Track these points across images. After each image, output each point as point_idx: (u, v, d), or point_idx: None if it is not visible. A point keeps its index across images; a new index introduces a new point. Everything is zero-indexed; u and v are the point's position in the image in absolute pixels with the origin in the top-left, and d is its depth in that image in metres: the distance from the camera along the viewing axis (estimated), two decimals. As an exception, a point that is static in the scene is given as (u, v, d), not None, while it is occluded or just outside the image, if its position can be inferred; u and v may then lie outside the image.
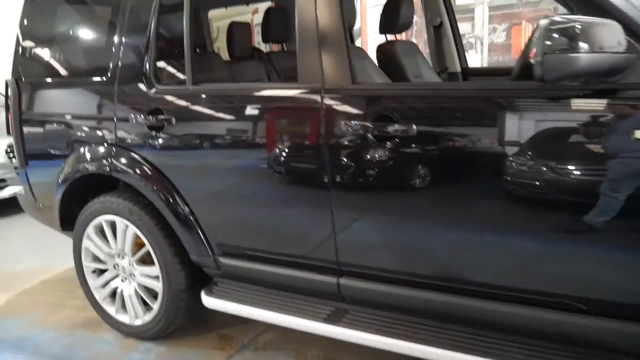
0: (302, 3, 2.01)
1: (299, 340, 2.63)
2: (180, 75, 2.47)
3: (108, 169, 2.55)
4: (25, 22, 2.94)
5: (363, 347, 2.39)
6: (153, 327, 2.65)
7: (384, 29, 2.89)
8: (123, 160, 2.51)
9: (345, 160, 1.96)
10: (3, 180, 5.21)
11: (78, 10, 2.91)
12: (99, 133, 2.62)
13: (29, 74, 2.94)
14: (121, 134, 2.52)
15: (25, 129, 2.95)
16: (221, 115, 2.32)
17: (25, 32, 2.94)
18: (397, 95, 1.98)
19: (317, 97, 1.98)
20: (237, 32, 3.05)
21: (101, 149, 2.59)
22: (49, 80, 2.87)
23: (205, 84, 2.37)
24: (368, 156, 1.91)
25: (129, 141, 2.50)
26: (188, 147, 2.36)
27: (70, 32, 2.89)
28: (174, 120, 2.34)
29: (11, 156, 5.15)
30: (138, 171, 2.46)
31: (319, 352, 2.53)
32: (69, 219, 2.87)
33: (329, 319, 2.14)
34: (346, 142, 1.94)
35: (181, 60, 2.40)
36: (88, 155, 2.64)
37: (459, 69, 3.35)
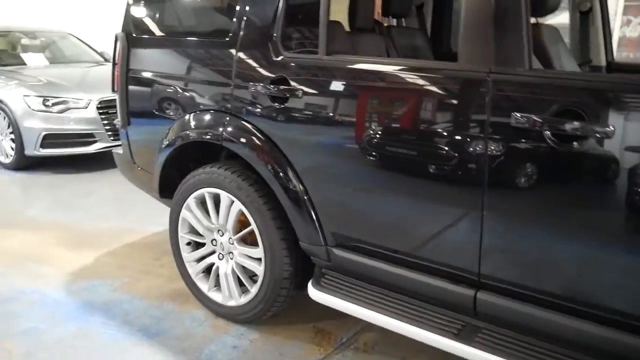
0: None
1: (401, 344, 2.40)
2: (312, 44, 2.22)
3: (220, 138, 2.35)
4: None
5: None
6: (248, 311, 2.48)
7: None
8: (237, 131, 2.31)
9: (510, 159, 1.67)
10: (92, 135, 5.20)
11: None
12: (213, 98, 2.44)
13: (140, 29, 2.79)
14: (237, 101, 2.32)
15: (132, 87, 2.82)
16: (359, 92, 2.06)
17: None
18: (588, 87, 1.64)
19: (482, 82, 1.69)
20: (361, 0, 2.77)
21: (214, 116, 2.41)
22: (161, 37, 2.71)
23: (339, 55, 2.12)
24: (541, 157, 1.61)
25: (246, 110, 2.29)
26: (314, 123, 2.13)
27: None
28: (300, 92, 2.11)
29: (102, 112, 5.14)
30: (253, 144, 2.26)
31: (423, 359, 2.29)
32: (167, 185, 2.73)
33: (460, 336, 1.88)
34: (514, 138, 1.65)
35: (312, 28, 2.16)
36: (199, 121, 2.47)
37: (604, 62, 2.94)
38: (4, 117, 5.25)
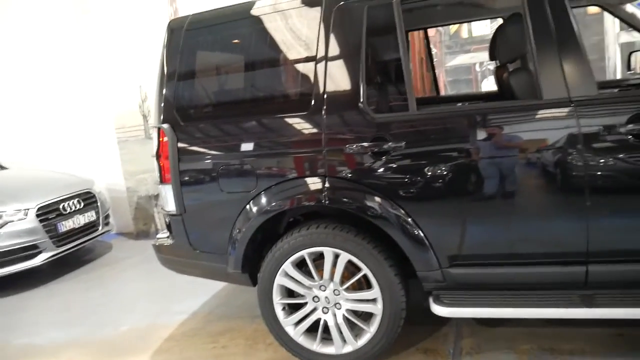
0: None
1: (501, 338, 2.82)
2: (400, 101, 2.60)
3: (325, 200, 2.58)
4: (179, 61, 2.90)
5: (572, 334, 2.73)
6: (368, 351, 2.68)
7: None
8: (343, 190, 2.56)
9: (604, 164, 2.24)
10: (35, 246, 4.76)
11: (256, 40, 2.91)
12: (303, 166, 2.65)
13: (189, 117, 2.88)
14: (333, 164, 2.58)
15: (187, 175, 2.87)
16: (455, 136, 2.48)
17: (182, 72, 2.90)
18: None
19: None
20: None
21: (310, 181, 2.62)
22: (218, 118, 2.86)
23: (428, 108, 2.54)
24: (625, 158, 2.20)
25: (345, 171, 2.56)
26: (418, 170, 2.46)
27: (248, 65, 2.93)
28: (401, 146, 2.46)
29: (42, 220, 4.79)
30: (364, 198, 2.54)
31: (531, 344, 2.73)
32: (246, 260, 2.83)
33: (585, 303, 2.36)
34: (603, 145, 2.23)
35: (396, 86, 2.55)
36: (292, 190, 2.65)
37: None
38: None
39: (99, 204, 5.60)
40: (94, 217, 5.49)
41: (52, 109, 6.67)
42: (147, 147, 5.98)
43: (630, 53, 3.78)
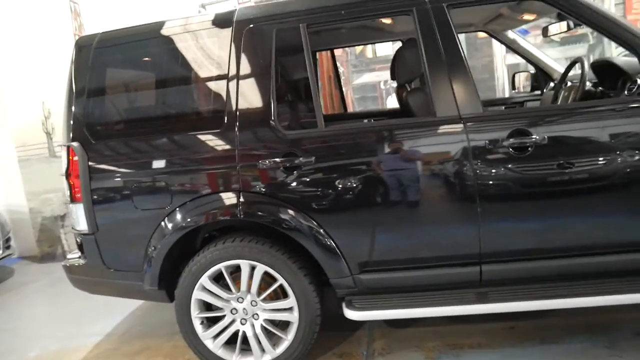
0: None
1: (410, 338, 3.03)
2: (309, 118, 2.74)
3: (240, 214, 2.66)
4: (88, 78, 2.89)
5: (471, 330, 2.99)
6: (288, 357, 2.78)
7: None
8: (258, 204, 2.67)
9: (491, 173, 2.51)
10: None
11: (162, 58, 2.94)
12: (217, 181, 2.73)
13: (99, 134, 2.87)
14: (247, 179, 2.67)
15: (99, 193, 2.84)
16: (361, 151, 2.66)
17: (91, 89, 2.89)
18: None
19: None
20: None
21: (225, 196, 2.70)
22: (131, 136, 2.87)
23: (334, 125, 2.71)
24: (510, 168, 2.49)
25: (259, 185, 2.67)
26: (328, 183, 2.62)
27: (159, 83, 2.95)
28: (311, 161, 2.61)
29: None
30: (278, 211, 2.65)
31: (437, 342, 2.96)
32: (162, 275, 2.85)
33: (480, 300, 2.62)
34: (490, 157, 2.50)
35: (306, 103, 2.70)
36: (207, 205, 2.71)
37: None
38: None
39: (-2, 226, 5.29)
40: (-7, 241, 5.18)
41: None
42: (52, 166, 5.75)
43: (514, 74, 4.21)
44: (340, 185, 2.61)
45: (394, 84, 4.91)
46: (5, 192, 6.03)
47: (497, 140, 2.50)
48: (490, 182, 2.53)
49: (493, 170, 2.52)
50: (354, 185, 2.61)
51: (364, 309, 2.71)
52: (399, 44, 4.13)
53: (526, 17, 3.56)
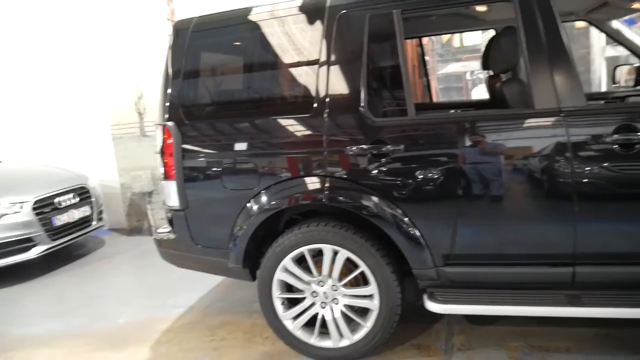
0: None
1: (491, 336, 2.95)
2: (399, 106, 2.71)
3: (325, 199, 2.69)
4: (184, 61, 2.99)
5: (559, 333, 2.86)
6: (365, 345, 2.79)
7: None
8: (344, 190, 2.67)
9: (592, 171, 2.37)
10: (30, 239, 4.79)
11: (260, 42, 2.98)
12: (303, 165, 2.76)
13: (193, 116, 2.97)
14: (333, 165, 2.68)
15: (191, 171, 2.96)
16: (453, 141, 2.59)
17: (187, 72, 2.99)
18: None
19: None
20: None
21: (309, 180, 2.73)
22: (226, 118, 2.95)
23: (426, 113, 2.66)
24: (613, 166, 2.34)
25: (345, 171, 2.67)
26: (415, 172, 2.57)
27: (251, 67, 3.01)
28: (399, 149, 2.58)
29: (38, 213, 4.83)
30: (362, 197, 2.65)
31: (521, 342, 2.86)
32: (247, 255, 2.93)
33: (572, 303, 2.50)
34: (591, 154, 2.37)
35: (396, 91, 2.66)
36: (292, 189, 2.75)
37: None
38: None
39: (93, 199, 5.65)
40: (88, 212, 5.53)
41: (47, 104, 6.71)
42: (142, 145, 6.04)
43: (616, 67, 3.95)
44: (428, 175, 2.56)
45: (481, 75, 4.75)
46: (99, 168, 6.42)
47: (600, 135, 2.36)
48: (590, 180, 2.39)
49: (594, 168, 2.38)
50: (443, 175, 2.55)
51: (446, 302, 2.66)
52: (488, 34, 3.98)
53: (637, 5, 3.31)
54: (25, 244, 4.79)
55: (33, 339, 3.58)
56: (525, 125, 2.51)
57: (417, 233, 2.62)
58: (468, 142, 2.55)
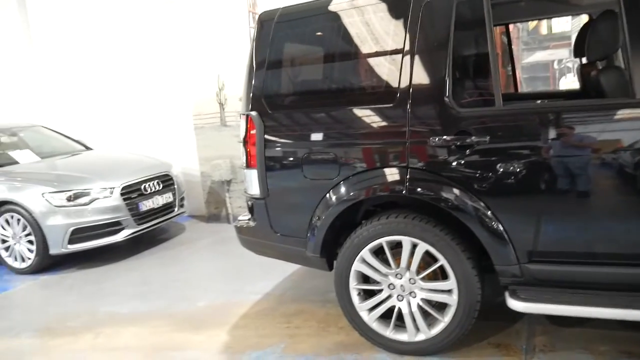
0: None
1: (575, 338, 2.80)
2: (485, 96, 2.63)
3: (405, 190, 2.65)
4: (268, 52, 3.04)
5: None
6: (441, 340, 2.74)
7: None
8: (425, 182, 2.63)
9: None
10: (118, 223, 5.09)
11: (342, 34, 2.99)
12: (383, 156, 2.73)
13: (276, 105, 3.02)
14: (415, 156, 2.64)
15: (273, 161, 3.02)
16: (543, 133, 2.46)
17: (270, 63, 3.03)
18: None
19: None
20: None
21: (389, 172, 2.70)
22: (307, 109, 2.98)
23: (514, 103, 2.55)
24: None
25: (427, 162, 2.62)
26: (501, 165, 2.48)
27: (333, 57, 3.02)
28: (485, 140, 2.49)
29: (125, 198, 5.09)
30: (444, 189, 2.59)
31: (608, 347, 2.70)
32: (325, 244, 2.94)
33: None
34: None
35: (482, 80, 2.57)
36: (371, 180, 2.74)
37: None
38: (18, 220, 4.97)
39: (176, 186, 5.90)
40: (171, 199, 5.78)
41: (135, 96, 7.10)
42: (222, 134, 6.23)
43: None
44: (515, 168, 2.46)
45: (570, 64, 4.49)
46: (181, 157, 6.70)
47: None
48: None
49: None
50: (531, 169, 2.44)
51: (530, 300, 2.55)
52: (579, 20, 3.75)
53: None
54: (114, 227, 5.08)
55: (119, 317, 3.80)
56: (624, 116, 2.34)
57: (501, 228, 2.53)
58: (560, 134, 2.42)
